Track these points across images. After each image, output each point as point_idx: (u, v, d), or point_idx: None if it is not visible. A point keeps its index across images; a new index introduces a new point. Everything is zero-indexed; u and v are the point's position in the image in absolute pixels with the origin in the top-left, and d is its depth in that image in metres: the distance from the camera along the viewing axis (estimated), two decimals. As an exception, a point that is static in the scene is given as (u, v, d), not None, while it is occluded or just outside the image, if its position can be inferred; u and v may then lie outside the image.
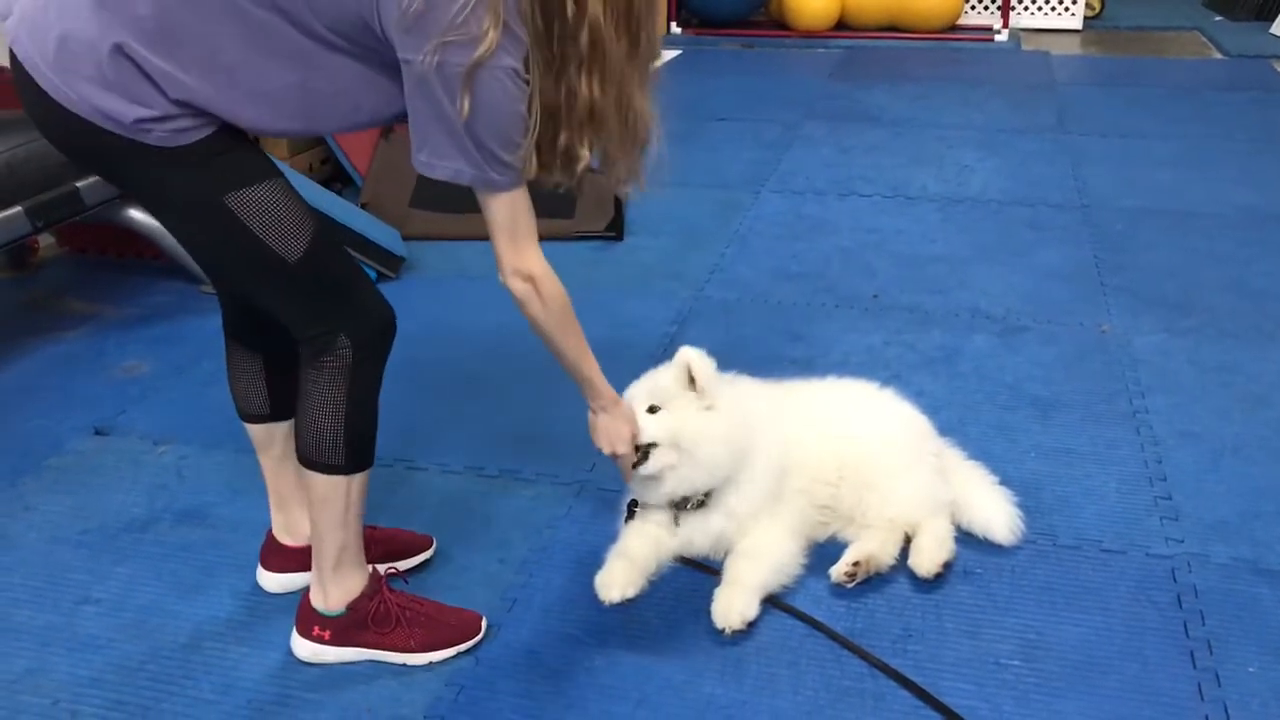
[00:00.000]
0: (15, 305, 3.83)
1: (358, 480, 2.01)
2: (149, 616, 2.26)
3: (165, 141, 1.72)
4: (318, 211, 1.91)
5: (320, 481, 1.98)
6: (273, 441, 2.20)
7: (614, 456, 2.21)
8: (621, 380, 2.23)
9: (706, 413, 2.23)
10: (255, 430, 2.21)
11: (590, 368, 2.11)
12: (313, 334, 1.90)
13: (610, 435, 2.18)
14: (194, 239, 1.89)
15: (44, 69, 1.71)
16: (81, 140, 1.74)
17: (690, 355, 2.24)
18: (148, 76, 1.67)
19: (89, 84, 1.68)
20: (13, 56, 1.75)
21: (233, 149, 1.79)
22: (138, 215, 3.71)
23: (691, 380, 2.24)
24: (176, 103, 1.70)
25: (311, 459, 1.97)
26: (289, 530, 2.28)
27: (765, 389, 2.46)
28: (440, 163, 1.77)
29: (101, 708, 2.02)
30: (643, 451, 2.22)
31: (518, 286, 1.93)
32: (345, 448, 1.95)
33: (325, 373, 1.91)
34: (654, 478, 2.24)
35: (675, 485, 2.25)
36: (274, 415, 2.17)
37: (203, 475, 2.76)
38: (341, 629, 2.08)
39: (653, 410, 2.24)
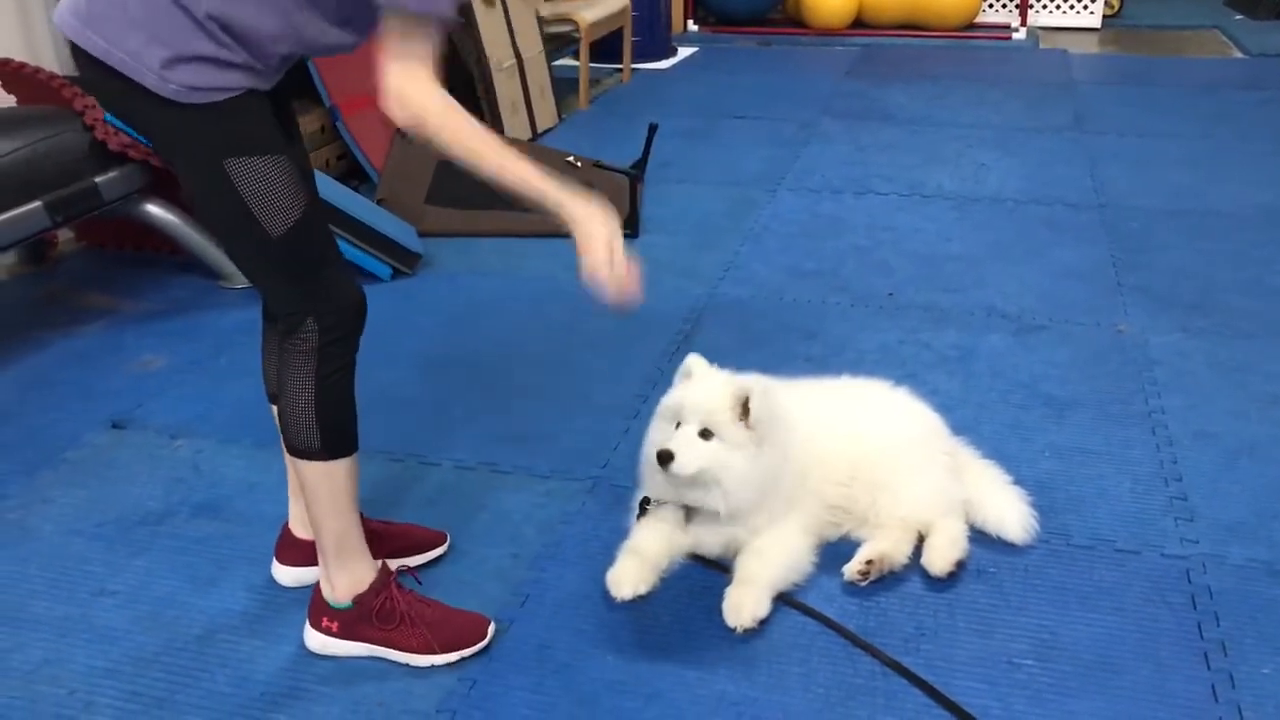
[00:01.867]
0: (34, 299, 3.85)
1: (342, 466, 2.01)
2: (165, 609, 2.27)
3: (183, 97, 1.75)
4: (315, 196, 1.94)
5: (304, 467, 2.01)
6: None
7: (609, 263, 2.03)
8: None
9: (752, 455, 2.19)
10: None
11: (530, 176, 1.96)
12: (285, 312, 1.95)
13: (607, 248, 2.02)
14: (192, 191, 1.93)
15: (77, 26, 1.77)
16: (108, 88, 1.80)
17: (753, 388, 2.19)
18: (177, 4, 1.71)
19: (116, 26, 1.73)
20: (69, 42, 1.82)
21: (247, 117, 1.82)
22: (156, 210, 3.73)
23: (744, 409, 2.20)
24: (206, 32, 1.73)
25: (292, 444, 2.00)
26: (304, 522, 2.29)
27: (781, 388, 2.45)
28: None
29: (117, 699, 2.04)
30: (671, 470, 2.16)
31: (405, 119, 1.80)
32: (319, 431, 1.97)
33: (293, 355, 1.95)
34: (677, 484, 2.22)
35: (695, 501, 2.25)
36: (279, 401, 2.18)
37: (219, 469, 2.77)
38: (348, 622, 2.10)
39: (704, 434, 2.18)
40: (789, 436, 2.28)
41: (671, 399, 2.26)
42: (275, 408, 2.20)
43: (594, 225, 2.00)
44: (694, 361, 2.30)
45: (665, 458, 2.14)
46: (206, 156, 1.82)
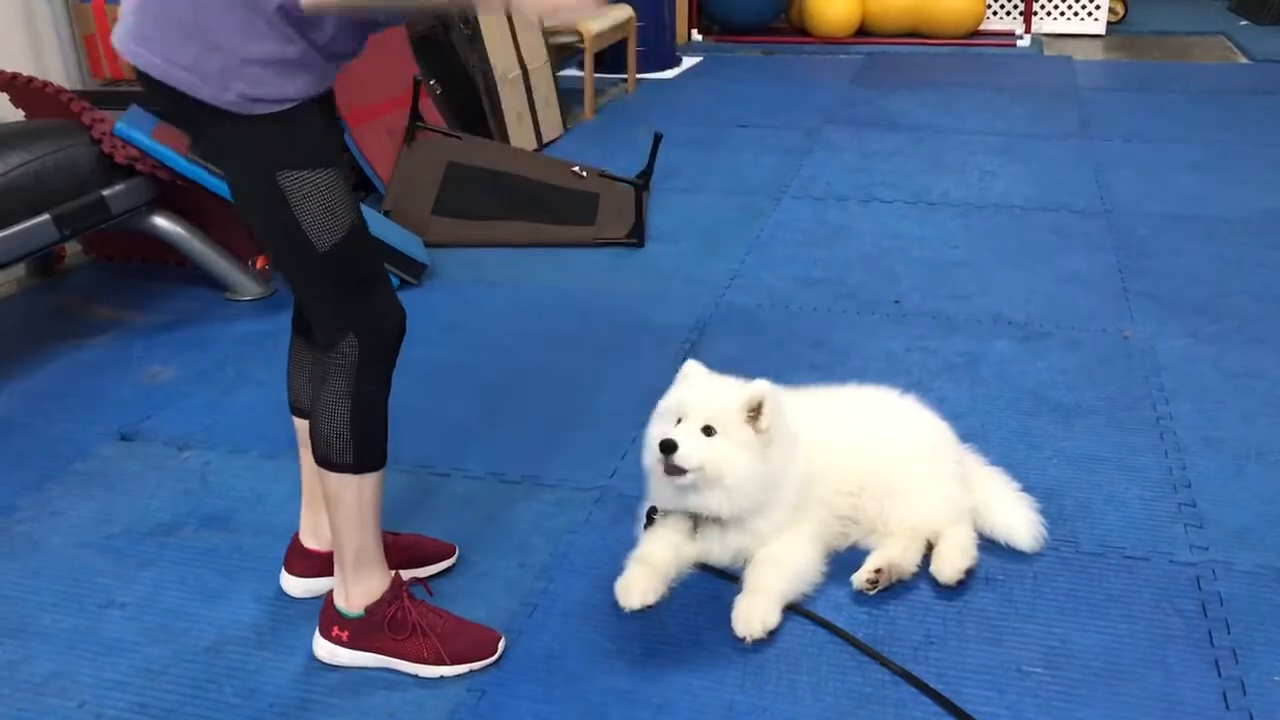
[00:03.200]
0: (42, 312, 3.87)
1: (369, 481, 2.02)
2: (173, 620, 2.28)
3: (242, 108, 1.77)
4: (361, 213, 1.95)
5: (332, 480, 2.01)
6: None
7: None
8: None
9: (757, 456, 2.20)
10: (302, 425, 2.22)
11: None
12: (326, 326, 1.95)
13: None
14: (241, 204, 1.93)
15: (134, 48, 1.79)
16: (173, 109, 1.82)
17: (765, 391, 2.20)
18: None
19: (171, 41, 1.74)
20: (132, 67, 1.84)
21: (303, 128, 1.84)
22: (163, 223, 3.74)
23: (753, 413, 2.20)
24: (271, 28, 1.73)
25: (323, 457, 2.00)
26: (315, 533, 2.30)
27: (788, 396, 2.45)
28: None
29: (126, 711, 2.04)
30: (674, 460, 2.16)
31: None
32: (352, 446, 1.98)
33: (332, 369, 1.96)
34: (681, 487, 2.22)
35: (697, 504, 2.25)
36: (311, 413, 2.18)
37: (227, 480, 2.78)
38: (358, 632, 2.10)
39: (708, 431, 2.19)
40: (794, 443, 2.28)
41: (670, 399, 2.27)
42: (297, 420, 2.22)
43: None
44: (691, 366, 2.32)
45: (669, 446, 2.14)
46: (259, 168, 1.83)
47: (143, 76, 1.82)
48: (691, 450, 2.15)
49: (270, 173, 1.82)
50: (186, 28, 1.74)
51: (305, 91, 1.82)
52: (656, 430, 2.23)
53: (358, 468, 2.00)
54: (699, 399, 2.22)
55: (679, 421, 2.20)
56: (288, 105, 1.80)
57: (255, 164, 1.83)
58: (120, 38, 1.82)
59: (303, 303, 2.01)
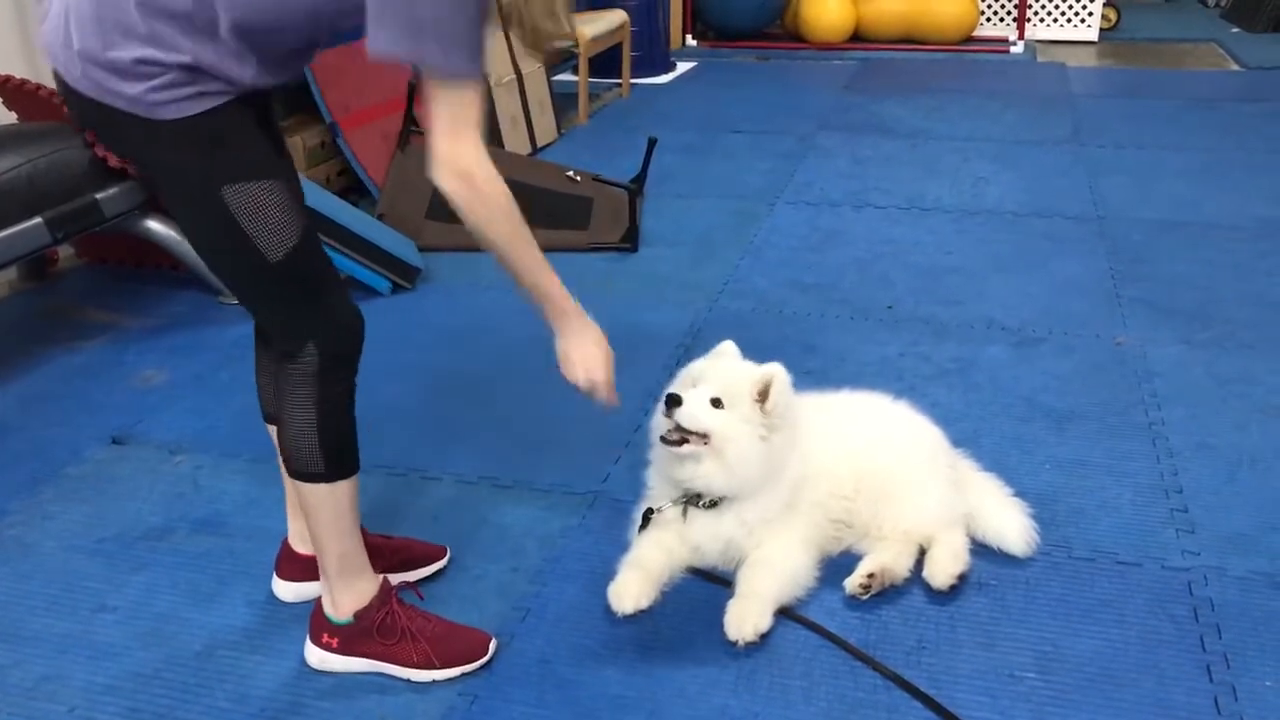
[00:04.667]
0: (35, 315, 3.86)
1: (343, 487, 2.01)
2: (165, 624, 2.27)
3: (171, 113, 1.72)
4: (309, 219, 1.91)
5: (305, 489, 2.00)
6: None
7: (590, 386, 2.08)
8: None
9: (762, 436, 2.21)
10: (276, 433, 2.22)
11: (549, 280, 2.01)
12: (283, 337, 1.93)
13: (586, 362, 2.07)
14: (186, 222, 1.90)
15: (63, 60, 1.76)
16: (99, 121, 1.78)
17: (777, 374, 2.22)
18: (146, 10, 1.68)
19: (94, 42, 1.70)
20: (54, 71, 1.81)
21: (238, 137, 1.80)
22: (156, 226, 3.74)
23: (763, 396, 2.22)
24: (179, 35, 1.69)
25: (293, 467, 1.99)
26: (304, 538, 2.29)
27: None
28: (400, 45, 1.69)
29: (117, 715, 2.03)
30: (681, 434, 2.19)
31: (451, 184, 1.80)
32: (322, 454, 1.96)
33: (294, 380, 1.93)
34: (680, 457, 2.22)
35: (693, 476, 2.24)
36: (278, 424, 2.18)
37: (219, 484, 2.77)
38: (349, 638, 2.09)
39: (716, 403, 2.21)
40: (795, 433, 2.29)
41: (694, 366, 2.30)
42: (271, 428, 2.21)
43: (580, 344, 2.08)
44: (728, 345, 2.35)
45: (674, 400, 2.17)
46: (200, 182, 1.79)
47: (66, 89, 1.77)
48: (696, 412, 2.18)
49: (213, 187, 1.78)
50: (101, 34, 1.69)
51: (224, 96, 1.76)
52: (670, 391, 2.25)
53: (329, 476, 1.98)
54: (716, 372, 2.26)
55: (694, 388, 2.23)
56: (214, 102, 1.74)
57: (196, 178, 1.78)
58: (50, 47, 1.77)
59: (257, 315, 1.99)
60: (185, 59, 1.71)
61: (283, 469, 2.23)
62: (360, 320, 1.98)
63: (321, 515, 2.01)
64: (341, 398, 1.98)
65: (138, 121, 1.74)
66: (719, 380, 2.23)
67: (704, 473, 2.22)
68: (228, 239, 1.83)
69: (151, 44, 1.69)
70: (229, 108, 1.78)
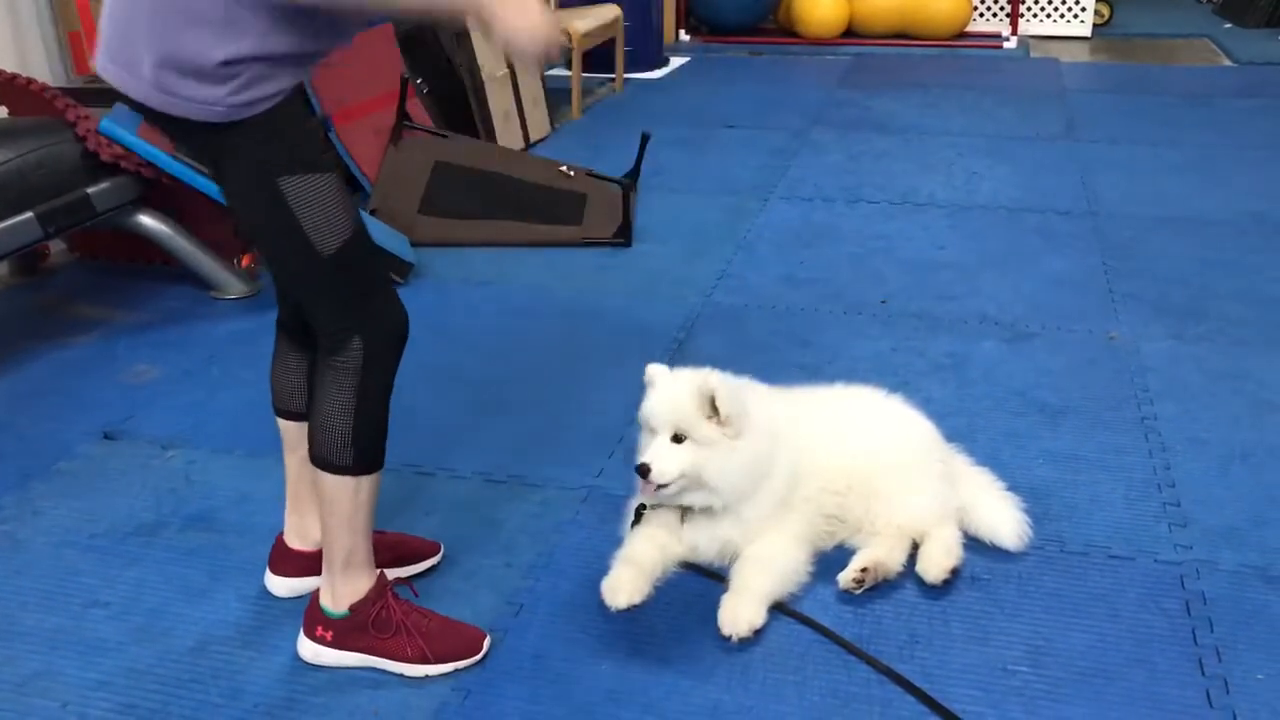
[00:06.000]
0: (26, 311, 3.85)
1: (366, 482, 2.02)
2: (157, 620, 2.27)
3: (232, 115, 1.75)
4: (359, 214, 1.95)
5: (329, 481, 2.00)
6: (303, 442, 2.21)
7: (532, 38, 1.77)
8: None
9: (731, 446, 2.21)
10: (287, 428, 2.22)
11: None
12: (330, 330, 1.95)
13: (523, 12, 1.77)
14: (243, 212, 1.93)
15: (123, 76, 1.78)
16: (166, 125, 1.82)
17: (714, 383, 2.19)
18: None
19: (168, 47, 1.72)
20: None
21: (297, 129, 1.84)
22: (148, 221, 3.73)
23: (714, 407, 2.20)
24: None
25: (321, 457, 1.99)
26: (300, 534, 2.29)
27: (774, 395, 2.45)
28: None
29: (110, 711, 2.03)
30: (651, 480, 2.18)
31: None
32: (353, 448, 1.97)
33: (336, 371, 1.95)
34: (667, 495, 2.23)
35: (691, 501, 2.26)
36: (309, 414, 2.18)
37: (211, 480, 2.76)
38: (342, 631, 2.09)
39: (678, 439, 2.20)
40: (765, 426, 2.28)
41: (642, 410, 2.27)
42: (283, 421, 2.21)
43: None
44: (653, 370, 2.30)
45: (643, 471, 2.17)
46: (260, 174, 1.82)
47: (133, 103, 1.81)
48: (665, 466, 2.17)
49: (272, 178, 1.82)
50: (155, 47, 1.73)
51: (289, 83, 1.81)
52: (640, 445, 2.25)
53: (357, 469, 2.00)
54: (661, 408, 2.22)
55: (654, 435, 2.21)
56: (275, 100, 1.79)
57: (256, 170, 1.83)
58: (103, 64, 1.81)
59: (306, 307, 1.99)
60: (262, 47, 1.72)
61: (289, 464, 2.23)
62: (406, 318, 2.00)
63: (339, 508, 2.02)
64: (380, 394, 1.99)
65: (207, 126, 1.77)
66: (668, 415, 2.20)
67: (695, 500, 2.24)
68: (283, 230, 1.85)
69: (228, 30, 1.71)
70: (290, 98, 1.81)
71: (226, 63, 1.73)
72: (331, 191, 1.86)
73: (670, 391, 2.24)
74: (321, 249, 1.86)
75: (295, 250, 1.88)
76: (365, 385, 1.95)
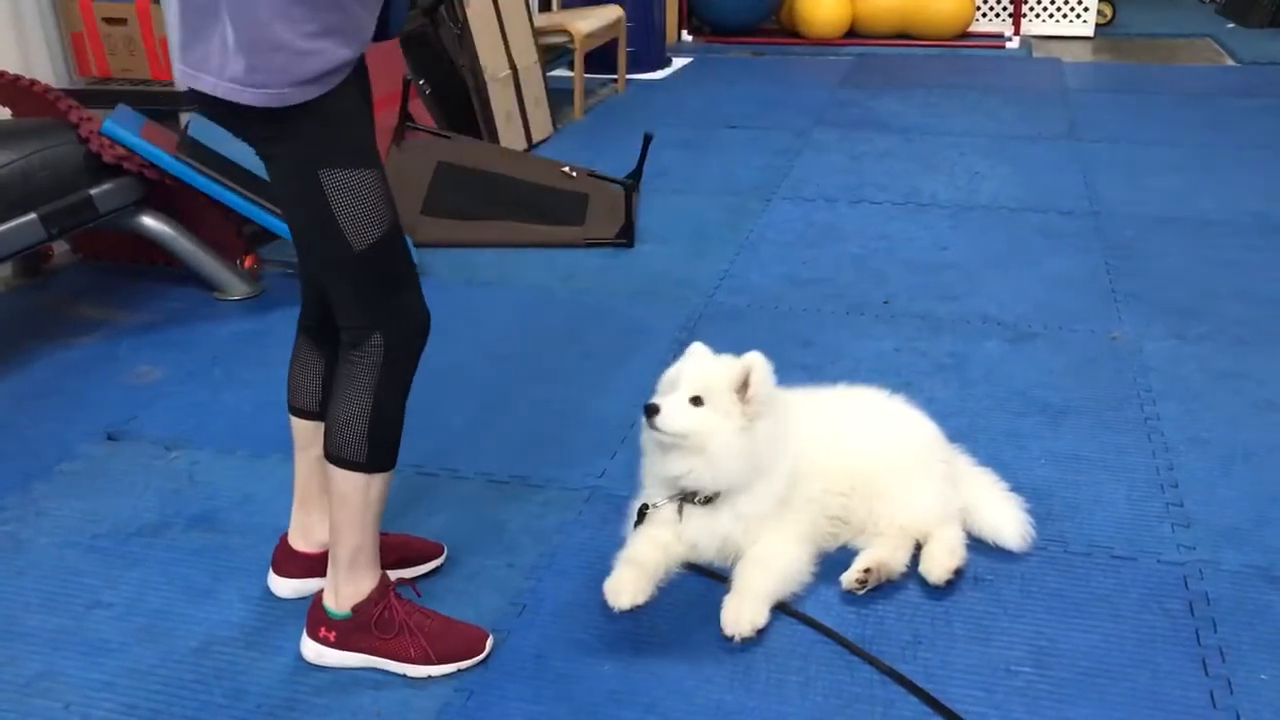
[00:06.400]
0: (29, 312, 3.85)
1: (378, 480, 2.03)
2: (160, 621, 2.27)
3: (282, 100, 1.77)
4: (397, 214, 1.97)
5: (341, 477, 2.01)
6: (315, 441, 2.21)
7: None
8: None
9: (743, 428, 2.21)
10: (301, 426, 2.22)
11: None
12: (352, 324, 1.96)
13: None
14: (282, 198, 1.95)
15: (181, 68, 1.83)
16: (220, 115, 1.85)
17: (756, 363, 2.23)
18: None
19: (205, 52, 1.76)
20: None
21: (349, 120, 1.86)
22: (151, 222, 3.73)
23: (743, 386, 2.22)
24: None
25: (335, 453, 2.00)
26: (305, 534, 2.29)
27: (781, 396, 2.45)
28: None
29: (113, 711, 2.03)
30: (655, 423, 2.19)
31: None
32: (368, 445, 1.98)
33: (355, 366, 1.97)
34: (664, 444, 2.22)
35: (682, 473, 2.24)
36: (323, 414, 2.18)
37: (214, 480, 2.77)
38: (345, 631, 2.09)
39: (696, 401, 2.21)
40: (782, 423, 2.29)
41: (670, 371, 2.30)
42: (296, 420, 2.21)
43: None
44: (696, 346, 2.35)
45: (651, 410, 2.18)
46: (302, 162, 1.84)
47: (198, 97, 1.85)
48: (674, 416, 2.18)
49: (313, 170, 1.84)
50: (217, 36, 1.76)
51: (342, 55, 1.80)
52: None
53: (370, 466, 2.00)
54: (693, 371, 2.26)
55: (674, 389, 2.24)
56: (329, 85, 1.79)
57: (299, 160, 1.85)
58: (175, 64, 1.85)
59: (332, 299, 2.01)
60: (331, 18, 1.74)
61: (298, 463, 2.23)
62: (428, 319, 2.02)
63: (350, 505, 2.02)
64: (397, 392, 2.00)
65: (261, 111, 1.79)
66: (695, 378, 2.23)
67: (689, 466, 2.23)
68: (318, 221, 1.87)
69: (295, 7, 1.72)
70: (346, 87, 1.83)
71: (297, 39, 1.74)
72: (371, 188, 1.88)
73: (708, 360, 2.29)
74: (354, 244, 1.88)
75: (328, 243, 1.89)
76: (383, 382, 1.97)
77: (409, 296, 1.99)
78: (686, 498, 2.29)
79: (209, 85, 1.80)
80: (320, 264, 1.98)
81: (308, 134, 1.83)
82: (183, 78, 1.84)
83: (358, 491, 2.02)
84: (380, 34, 1.94)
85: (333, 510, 2.06)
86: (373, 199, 1.89)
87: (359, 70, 1.91)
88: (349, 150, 1.87)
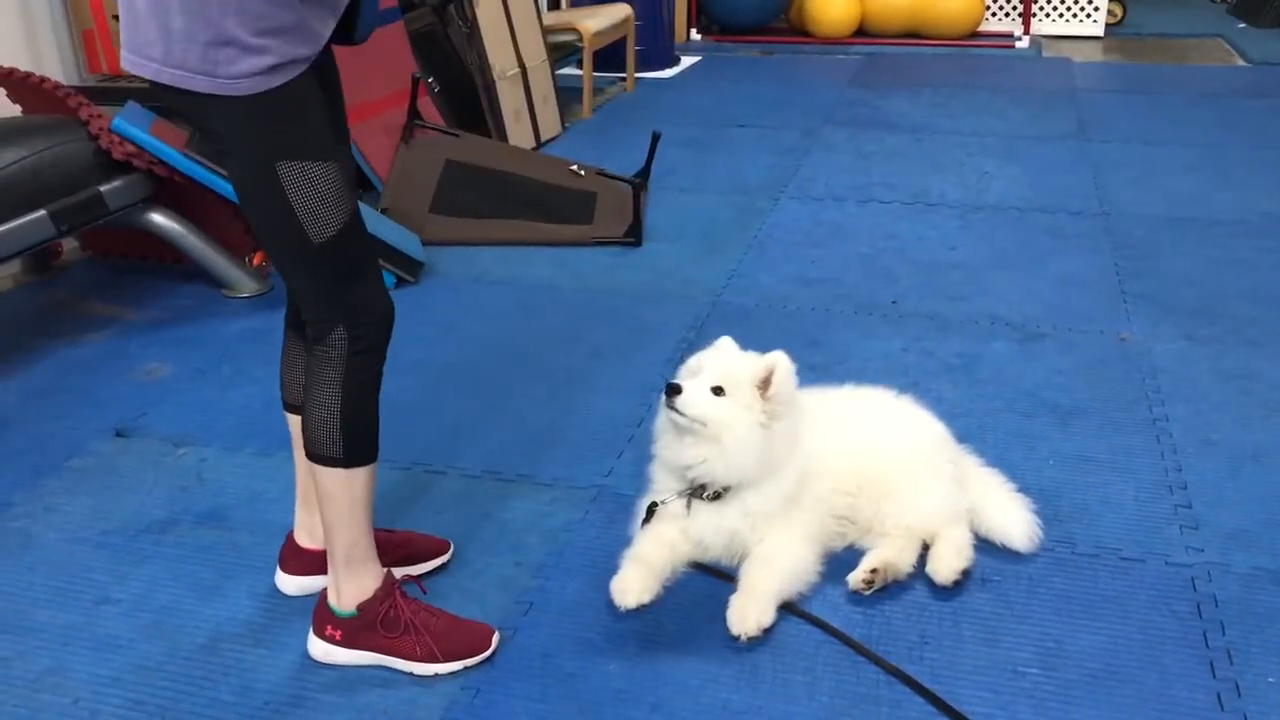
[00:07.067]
0: (38, 308, 3.86)
1: (360, 475, 2.02)
2: (168, 617, 2.27)
3: (238, 89, 1.76)
4: (357, 206, 1.95)
5: (323, 474, 2.01)
6: None
7: None
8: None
9: (761, 424, 2.21)
10: (296, 423, 2.22)
11: None
12: (315, 318, 1.96)
13: None
14: (239, 190, 1.93)
15: (130, 57, 1.80)
16: (174, 101, 1.83)
17: (780, 362, 2.23)
18: None
19: (157, 39, 1.74)
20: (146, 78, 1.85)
21: (305, 112, 1.84)
22: (160, 219, 3.74)
23: (765, 383, 2.22)
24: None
25: (314, 450, 2.00)
26: (310, 532, 2.29)
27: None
28: None
29: (121, 707, 2.04)
30: (675, 403, 2.19)
31: None
32: (342, 439, 1.98)
33: (322, 362, 1.96)
34: (680, 426, 2.22)
35: (695, 462, 2.24)
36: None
37: (222, 477, 2.77)
38: (352, 630, 2.10)
39: (717, 391, 2.22)
40: (798, 424, 2.29)
41: (694, 359, 2.31)
42: (290, 416, 2.21)
43: None
44: (726, 340, 2.36)
45: (673, 390, 2.18)
46: (259, 154, 1.83)
47: (153, 86, 1.83)
48: (695, 399, 2.19)
49: (270, 161, 1.82)
50: (165, 26, 1.74)
51: (296, 52, 1.79)
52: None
53: (347, 461, 2.00)
54: (717, 361, 2.27)
55: (696, 376, 2.25)
56: (286, 78, 1.78)
57: (256, 152, 1.83)
58: (124, 54, 1.83)
59: (294, 292, 2.01)
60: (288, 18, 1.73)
61: (298, 460, 2.24)
62: (391, 310, 2.01)
63: (337, 501, 2.02)
64: (366, 384, 1.99)
65: (213, 99, 1.77)
66: (720, 369, 2.24)
67: (701, 455, 2.22)
68: (276, 213, 1.86)
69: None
70: (303, 78, 1.81)
71: (239, 34, 1.73)
72: (329, 181, 1.86)
73: (734, 353, 2.30)
74: (314, 237, 1.87)
75: (286, 236, 1.88)
76: (350, 376, 1.96)
77: (371, 288, 1.98)
78: (695, 492, 2.29)
79: (152, 72, 1.78)
80: (280, 257, 1.95)
81: (262, 125, 1.81)
82: (130, 65, 1.82)
83: (341, 487, 2.01)
84: (345, 39, 1.93)
85: (321, 509, 2.06)
86: (331, 191, 1.87)
87: (322, 60, 1.90)
88: (305, 141, 1.84)
